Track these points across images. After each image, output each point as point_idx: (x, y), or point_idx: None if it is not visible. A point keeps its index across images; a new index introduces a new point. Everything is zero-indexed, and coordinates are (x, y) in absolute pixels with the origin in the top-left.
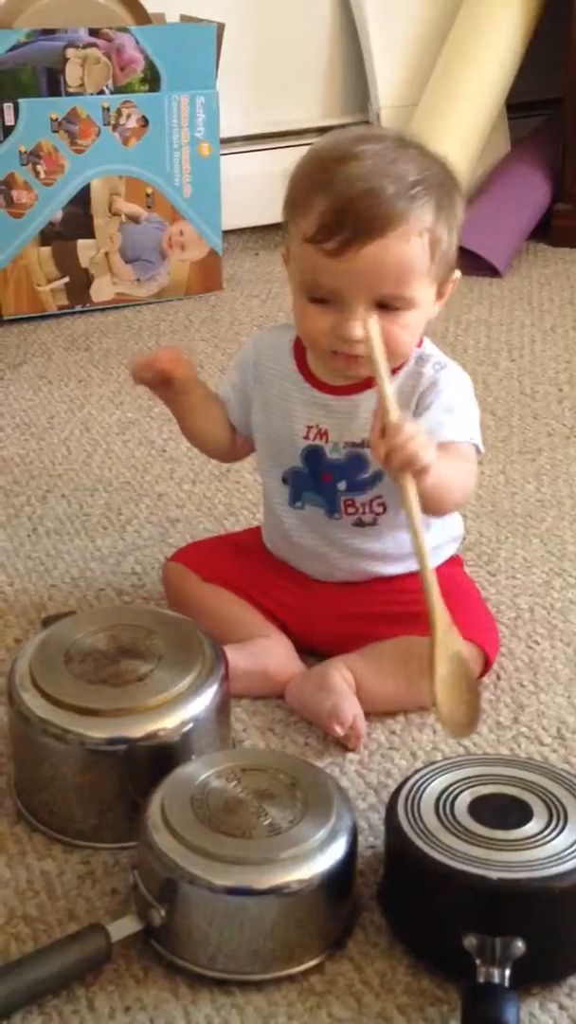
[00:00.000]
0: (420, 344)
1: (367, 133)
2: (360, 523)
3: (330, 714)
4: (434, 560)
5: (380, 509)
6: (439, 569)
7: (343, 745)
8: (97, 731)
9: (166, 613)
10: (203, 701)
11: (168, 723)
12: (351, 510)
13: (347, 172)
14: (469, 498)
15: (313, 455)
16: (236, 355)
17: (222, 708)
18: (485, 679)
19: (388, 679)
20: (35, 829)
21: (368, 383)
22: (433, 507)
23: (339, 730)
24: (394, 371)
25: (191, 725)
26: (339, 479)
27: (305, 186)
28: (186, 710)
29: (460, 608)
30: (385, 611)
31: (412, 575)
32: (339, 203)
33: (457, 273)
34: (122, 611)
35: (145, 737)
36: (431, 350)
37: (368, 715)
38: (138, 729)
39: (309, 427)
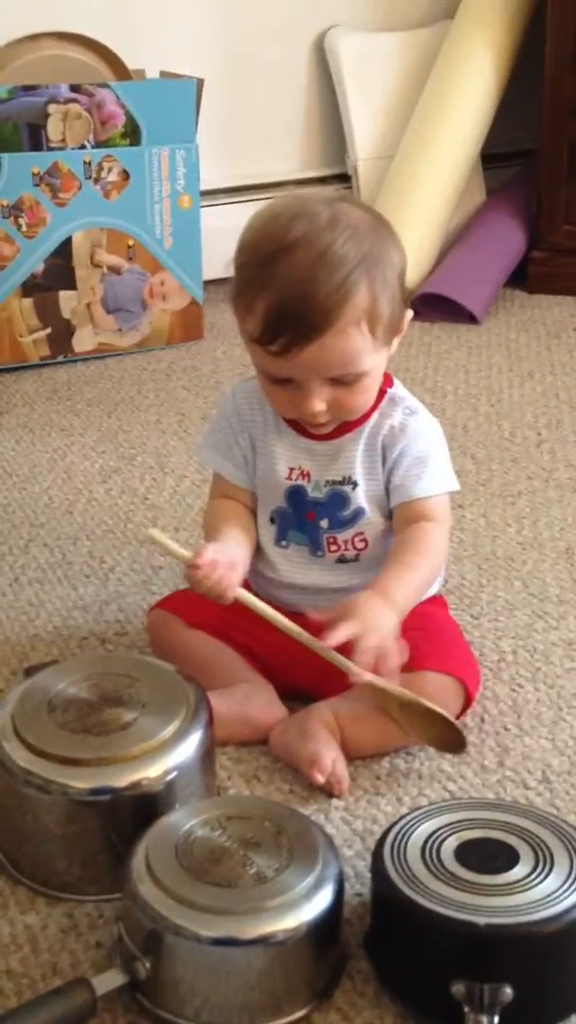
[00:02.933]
0: (390, 383)
1: (299, 208)
2: (343, 559)
3: (310, 761)
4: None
5: (362, 545)
6: (419, 608)
7: (328, 792)
8: (80, 781)
9: (149, 661)
10: (187, 749)
11: (152, 772)
12: (334, 547)
13: (280, 272)
14: (444, 560)
15: (296, 494)
16: (213, 416)
17: (206, 755)
18: (468, 720)
19: (371, 722)
20: (18, 882)
21: (348, 427)
22: (421, 597)
23: (319, 777)
24: (364, 417)
25: (175, 773)
26: (321, 517)
27: (244, 286)
28: (170, 758)
29: (438, 643)
30: (349, 650)
31: None
32: (275, 309)
33: (409, 313)
34: (105, 659)
35: (129, 787)
36: (402, 392)
37: (354, 760)
38: (122, 778)
39: (292, 468)
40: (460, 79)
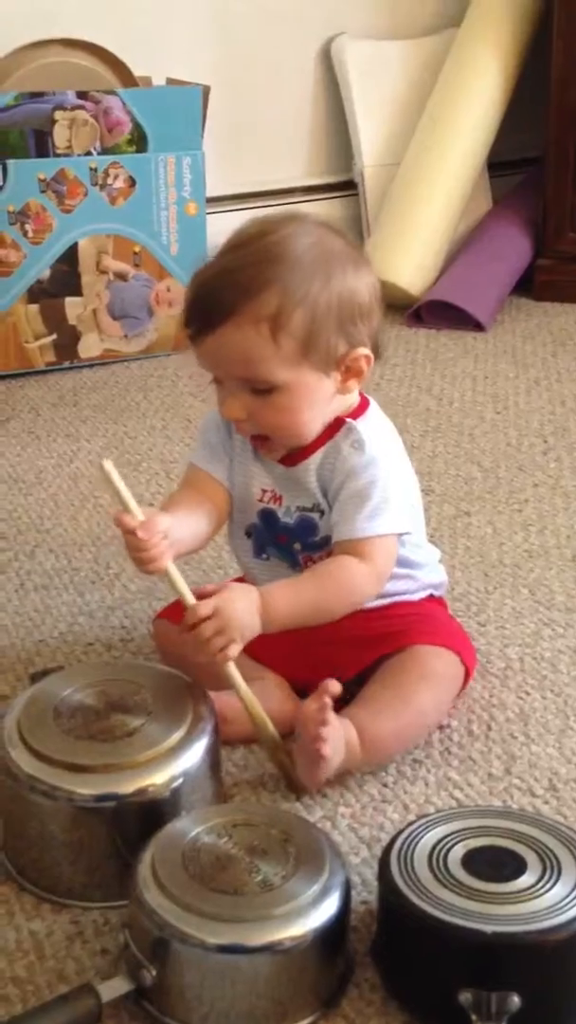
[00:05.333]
0: (361, 411)
1: (272, 219)
2: None
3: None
4: (414, 594)
5: None
6: (415, 605)
7: (335, 799)
8: (86, 788)
9: (155, 667)
10: (193, 755)
11: (157, 779)
12: (310, 564)
13: (211, 266)
14: (366, 599)
15: (268, 516)
16: (200, 426)
17: (212, 762)
18: (475, 728)
19: (388, 719)
20: (23, 888)
21: (307, 452)
22: (312, 624)
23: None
24: (317, 442)
25: (181, 780)
26: (293, 541)
27: (195, 272)
28: (176, 765)
29: (434, 623)
30: (351, 636)
31: (376, 608)
32: (192, 295)
33: (362, 351)
34: (111, 666)
35: (135, 793)
36: (365, 424)
37: (377, 765)
38: (127, 785)
39: (264, 490)
40: (466, 87)
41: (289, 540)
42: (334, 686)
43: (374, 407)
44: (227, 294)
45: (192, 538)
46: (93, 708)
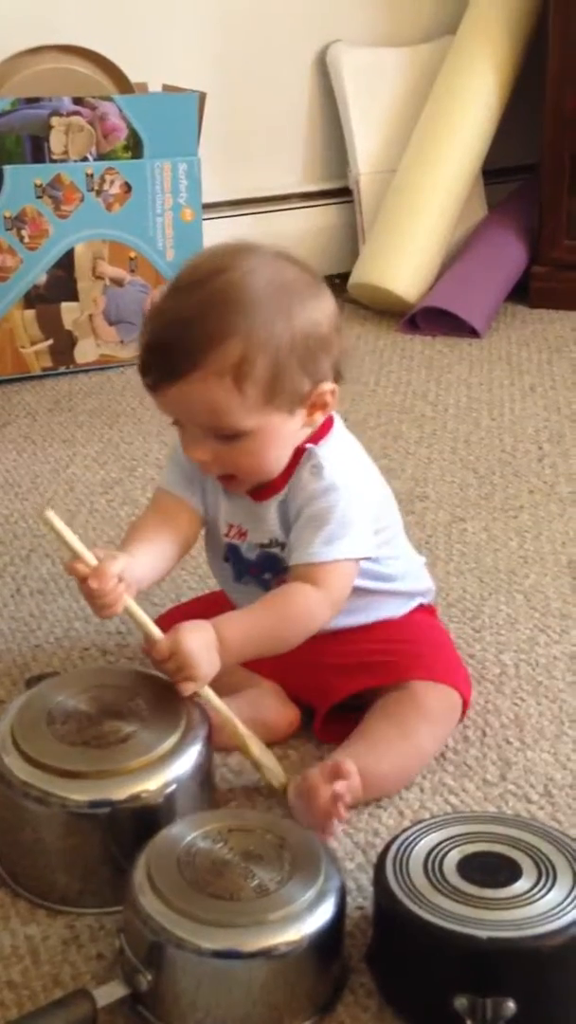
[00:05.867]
0: (321, 434)
1: (223, 253)
2: None
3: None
4: (396, 610)
5: None
6: (406, 617)
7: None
8: (79, 794)
9: (149, 673)
10: (186, 762)
11: (151, 784)
12: None
13: (165, 310)
14: (320, 625)
15: (233, 551)
16: (172, 448)
17: (205, 769)
18: (470, 734)
19: (388, 757)
20: (18, 895)
21: (276, 486)
22: (268, 655)
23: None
24: (283, 475)
25: (174, 787)
26: (262, 572)
27: (147, 314)
28: (169, 771)
29: (430, 651)
30: (337, 662)
31: (360, 627)
32: (148, 344)
33: (326, 386)
34: (106, 672)
35: (127, 800)
36: (323, 448)
37: (375, 800)
38: (120, 791)
39: (230, 525)
40: (462, 94)
41: (259, 572)
42: (350, 776)
43: (337, 426)
44: (187, 345)
45: (153, 570)
46: (87, 714)
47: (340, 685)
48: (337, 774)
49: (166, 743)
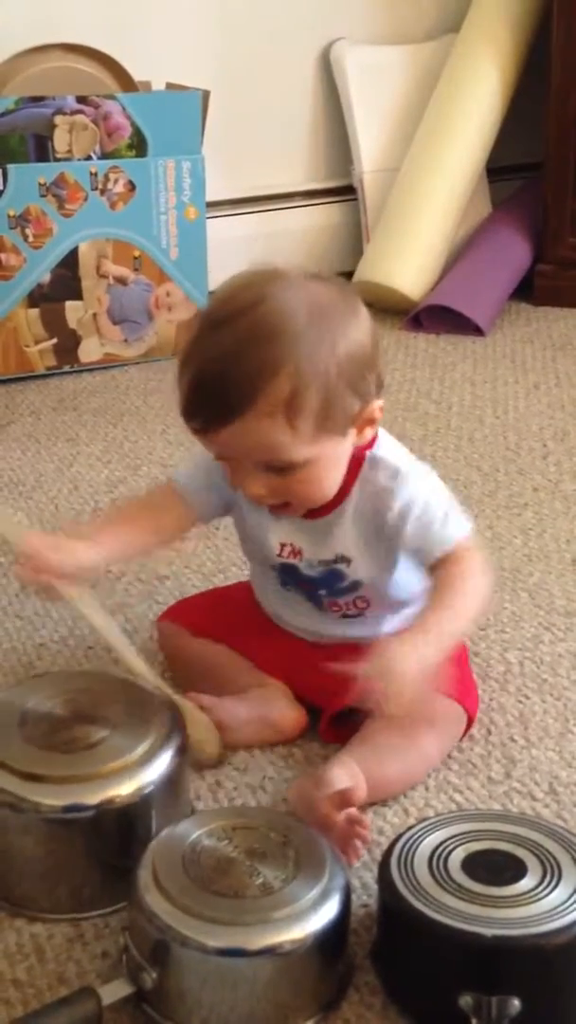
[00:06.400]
0: (370, 446)
1: (255, 282)
2: (346, 616)
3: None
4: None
5: (364, 604)
6: None
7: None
8: (40, 797)
9: (128, 679)
10: (154, 771)
11: (113, 792)
12: (335, 608)
13: (205, 348)
14: (490, 589)
15: (288, 569)
16: (203, 457)
17: (176, 778)
18: (475, 732)
19: (394, 761)
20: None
21: (339, 500)
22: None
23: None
24: (342, 490)
25: (138, 797)
26: (318, 589)
27: (184, 352)
28: (134, 780)
29: (444, 661)
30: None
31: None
32: (193, 386)
33: (375, 404)
34: (84, 675)
35: (76, 807)
36: (382, 451)
37: (380, 802)
38: (80, 797)
39: (283, 544)
40: (466, 92)
41: (313, 588)
42: (358, 802)
43: (378, 429)
44: (235, 386)
45: (115, 553)
46: (59, 718)
47: (349, 689)
48: (346, 802)
49: (134, 752)
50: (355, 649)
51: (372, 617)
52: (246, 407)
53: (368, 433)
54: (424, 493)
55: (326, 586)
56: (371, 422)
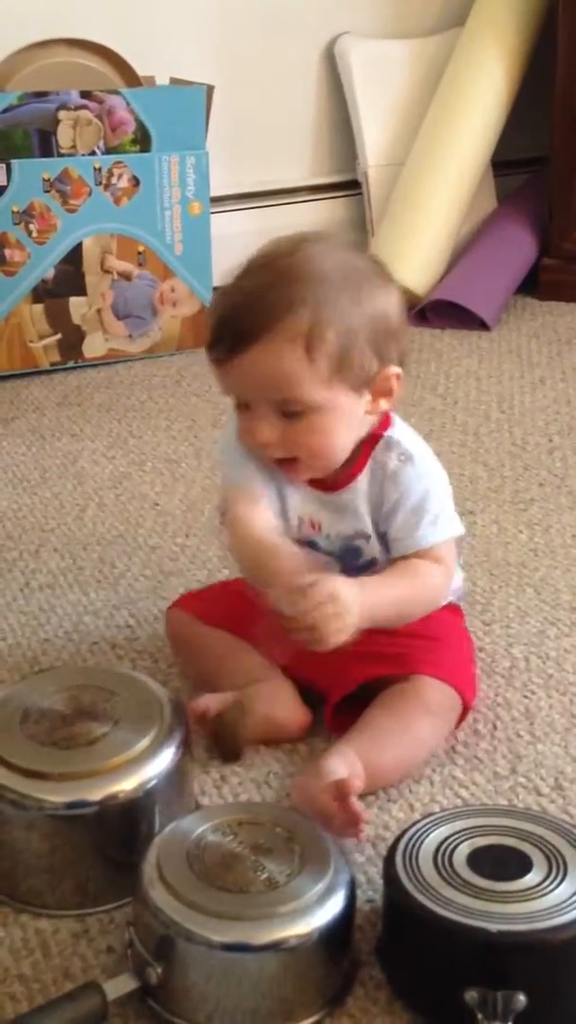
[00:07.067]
0: (387, 424)
1: (299, 239)
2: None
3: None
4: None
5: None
6: (433, 613)
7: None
8: (43, 793)
9: (131, 675)
10: (156, 767)
11: (114, 787)
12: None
13: (237, 286)
14: (442, 600)
15: (306, 545)
16: (223, 450)
17: (178, 774)
18: (480, 727)
19: (391, 748)
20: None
21: (353, 474)
22: (393, 625)
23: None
24: (358, 464)
25: (141, 792)
26: (334, 565)
27: (215, 297)
28: (136, 776)
29: (438, 650)
30: (371, 651)
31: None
32: (219, 317)
33: (392, 369)
34: (87, 671)
35: (73, 804)
36: (399, 434)
37: (378, 790)
38: (78, 794)
39: (301, 518)
40: (471, 86)
41: (330, 564)
42: (356, 789)
43: (395, 416)
44: (258, 313)
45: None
46: (60, 714)
47: (352, 673)
48: (343, 792)
49: (134, 748)
50: (368, 639)
51: None
52: (266, 332)
53: (383, 405)
54: (427, 483)
55: (342, 562)
56: (388, 392)
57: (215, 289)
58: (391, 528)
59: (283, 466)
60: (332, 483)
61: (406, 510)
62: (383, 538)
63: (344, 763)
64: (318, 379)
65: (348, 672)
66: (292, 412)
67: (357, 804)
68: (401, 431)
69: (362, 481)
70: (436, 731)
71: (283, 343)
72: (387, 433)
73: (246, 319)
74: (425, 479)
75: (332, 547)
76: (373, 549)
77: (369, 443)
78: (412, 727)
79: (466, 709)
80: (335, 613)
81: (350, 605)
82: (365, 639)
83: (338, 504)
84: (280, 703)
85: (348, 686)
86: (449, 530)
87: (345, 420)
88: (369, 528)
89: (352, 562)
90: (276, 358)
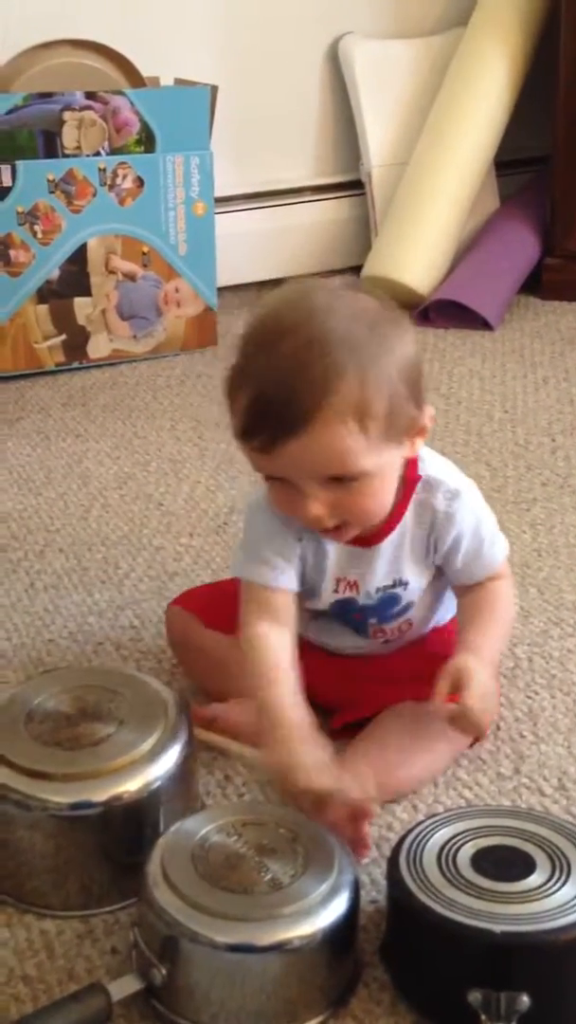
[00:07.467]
0: (415, 466)
1: (299, 297)
2: (387, 641)
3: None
4: (444, 617)
5: (407, 627)
6: (448, 634)
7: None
8: (47, 794)
9: (135, 675)
10: (160, 767)
11: (118, 788)
12: (380, 635)
13: (263, 365)
14: (514, 613)
15: (344, 604)
16: (250, 534)
17: (183, 773)
18: (488, 733)
19: (403, 763)
20: (4, 903)
21: (392, 524)
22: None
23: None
24: (396, 513)
25: (145, 793)
26: (370, 617)
27: (232, 379)
28: (139, 777)
29: None
30: (387, 675)
31: (411, 644)
32: (255, 403)
33: (429, 411)
34: (91, 672)
35: (77, 805)
36: (436, 471)
37: (391, 801)
38: (80, 795)
39: (338, 580)
40: (474, 86)
41: (365, 617)
42: (373, 816)
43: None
44: (303, 395)
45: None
46: (65, 715)
47: (369, 700)
48: (359, 817)
49: (138, 748)
50: (372, 660)
51: (409, 638)
52: (316, 415)
53: (418, 444)
54: (478, 511)
55: (378, 613)
56: (423, 431)
57: (229, 369)
58: (456, 560)
59: (330, 533)
60: (370, 536)
61: (467, 543)
62: (433, 569)
63: (359, 778)
64: (371, 447)
65: (364, 698)
66: (341, 481)
67: (369, 830)
68: (433, 464)
69: (403, 528)
70: (452, 753)
71: (336, 424)
72: (424, 474)
73: (288, 403)
74: (474, 507)
75: (371, 602)
76: (412, 594)
77: (408, 488)
78: (429, 750)
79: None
80: (487, 705)
81: (488, 685)
82: (380, 662)
83: (376, 556)
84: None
85: (363, 711)
86: (504, 544)
87: (393, 475)
88: (408, 575)
89: (389, 611)
90: (330, 438)
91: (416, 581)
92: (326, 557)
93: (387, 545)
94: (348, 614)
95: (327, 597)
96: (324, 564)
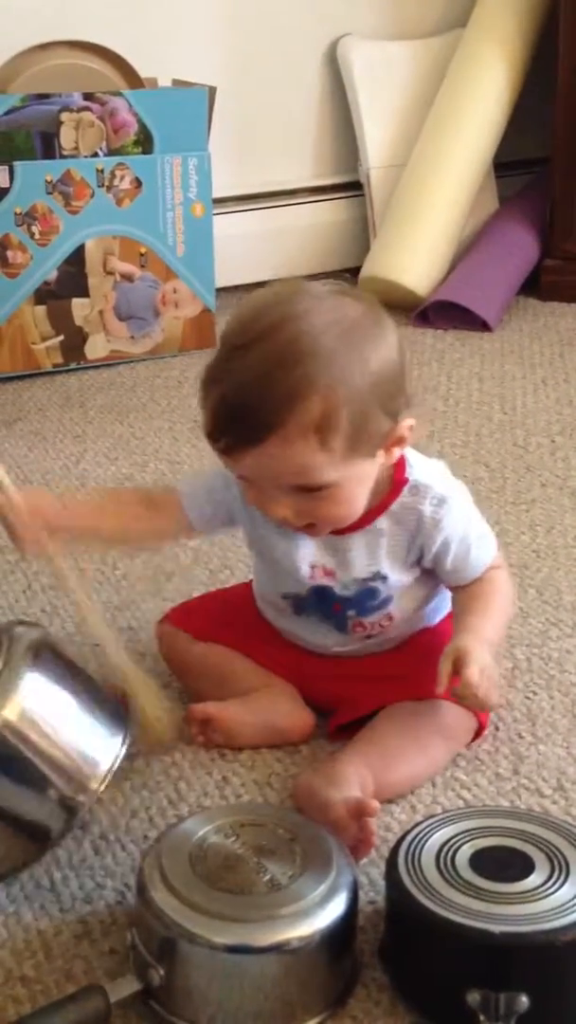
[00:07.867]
0: (403, 468)
1: (278, 300)
2: (368, 636)
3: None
4: (432, 619)
5: (388, 622)
6: (437, 635)
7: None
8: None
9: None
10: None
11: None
12: (360, 629)
13: (233, 369)
14: (514, 605)
15: (321, 591)
16: (209, 474)
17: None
18: (485, 732)
19: (401, 761)
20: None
21: (369, 518)
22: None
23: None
24: (376, 506)
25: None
26: (349, 609)
27: (207, 375)
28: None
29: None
30: (383, 675)
31: (405, 643)
32: (221, 407)
33: (408, 422)
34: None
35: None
36: (424, 476)
37: (387, 802)
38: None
39: (313, 567)
40: (472, 87)
41: (344, 608)
42: (375, 813)
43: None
44: (265, 407)
45: (95, 529)
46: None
47: (364, 699)
48: (362, 813)
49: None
50: (367, 659)
51: (391, 635)
52: (275, 428)
53: (396, 453)
54: (464, 521)
55: (357, 606)
56: (400, 441)
57: (205, 370)
58: (445, 564)
59: (300, 530)
60: (351, 526)
61: (455, 547)
62: (420, 571)
63: (357, 777)
64: (334, 462)
65: (360, 697)
66: (307, 490)
67: (374, 826)
68: (420, 469)
69: (382, 524)
70: (449, 752)
71: (296, 437)
72: (412, 478)
73: (251, 414)
74: (463, 512)
75: (348, 592)
76: (391, 588)
77: (392, 490)
78: (426, 749)
79: (481, 728)
80: (490, 685)
81: (487, 660)
82: (374, 661)
83: (352, 547)
84: (280, 709)
85: (359, 711)
86: (492, 543)
87: (360, 485)
88: (386, 569)
89: (368, 603)
90: (289, 452)
91: (396, 577)
92: (296, 541)
93: (363, 537)
94: (327, 606)
95: (304, 582)
96: (295, 547)
